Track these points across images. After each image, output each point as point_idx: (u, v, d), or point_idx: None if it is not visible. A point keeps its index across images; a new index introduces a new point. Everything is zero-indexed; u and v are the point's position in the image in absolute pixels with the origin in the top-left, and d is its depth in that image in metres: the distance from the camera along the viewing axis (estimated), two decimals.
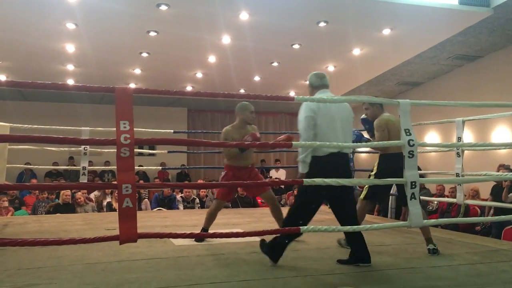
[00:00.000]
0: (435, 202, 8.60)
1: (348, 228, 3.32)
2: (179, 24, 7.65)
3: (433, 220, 3.86)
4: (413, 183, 3.42)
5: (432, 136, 11.45)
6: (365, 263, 3.58)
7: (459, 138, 5.36)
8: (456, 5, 7.35)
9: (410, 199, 3.42)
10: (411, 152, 3.44)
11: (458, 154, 5.39)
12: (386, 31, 8.15)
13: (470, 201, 5.69)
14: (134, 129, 2.72)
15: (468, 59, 10.19)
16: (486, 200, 7.53)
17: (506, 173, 5.42)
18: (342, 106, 3.71)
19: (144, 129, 6.51)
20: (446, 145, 4.00)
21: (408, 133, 3.48)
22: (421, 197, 6.49)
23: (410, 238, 4.84)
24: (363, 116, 4.63)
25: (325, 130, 3.56)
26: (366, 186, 4.48)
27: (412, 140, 3.45)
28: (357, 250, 3.64)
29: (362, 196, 4.48)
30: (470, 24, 8.05)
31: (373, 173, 4.41)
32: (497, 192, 7.12)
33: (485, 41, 9.08)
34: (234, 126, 4.70)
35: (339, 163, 3.60)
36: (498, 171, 7.24)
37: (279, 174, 13.38)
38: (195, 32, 7.95)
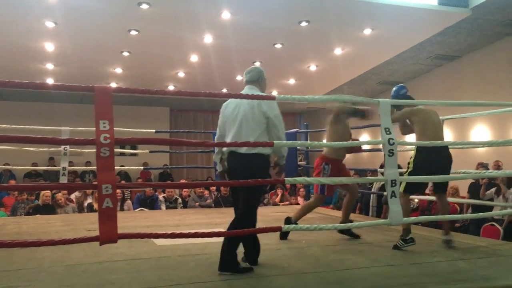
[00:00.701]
0: (416, 200, 8.69)
1: (331, 226, 3.34)
2: (160, 23, 7.61)
3: (413, 218, 3.91)
4: (393, 181, 3.45)
5: (413, 135, 11.57)
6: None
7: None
8: (435, 5, 7.46)
9: (391, 197, 3.45)
10: (391, 151, 3.47)
11: None
12: (367, 31, 8.22)
13: (449, 199, 5.76)
14: (115, 128, 2.70)
15: (447, 59, 10.34)
16: (465, 197, 7.65)
17: (484, 171, 5.51)
18: (244, 103, 3.47)
19: (125, 129, 6.46)
20: (426, 144, 4.05)
21: (388, 132, 3.51)
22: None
23: (391, 236, 4.88)
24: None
25: (227, 129, 3.52)
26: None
27: (392, 139, 3.48)
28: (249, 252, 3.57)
29: (401, 189, 4.09)
30: (449, 25, 8.17)
31: (409, 170, 4.26)
32: (474, 189, 7.24)
33: (463, 41, 9.23)
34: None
35: (234, 162, 3.46)
36: (477, 169, 7.36)
37: None
38: (177, 31, 7.92)
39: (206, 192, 9.19)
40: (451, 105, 4.38)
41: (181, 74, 10.67)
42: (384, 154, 3.51)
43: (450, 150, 4.29)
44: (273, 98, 3.41)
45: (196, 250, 4.16)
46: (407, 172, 4.26)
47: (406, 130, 4.61)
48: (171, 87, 11.72)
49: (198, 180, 14.18)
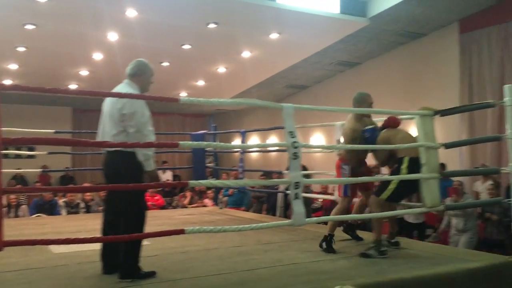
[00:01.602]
0: (320, 200, 9.06)
1: (235, 228, 3.35)
2: (59, 18, 7.20)
3: (315, 218, 4.04)
4: (297, 184, 3.53)
5: (318, 137, 12.06)
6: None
7: (338, 141, 5.70)
8: (337, 14, 7.83)
9: (294, 199, 3.53)
10: (295, 154, 3.54)
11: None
12: (274, 36, 8.42)
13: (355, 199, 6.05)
14: (10, 129, 2.49)
15: (349, 65, 10.91)
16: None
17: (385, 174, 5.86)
18: (109, 99, 3.40)
19: (21, 129, 6.00)
20: (326, 147, 4.22)
21: (292, 136, 3.58)
22: (307, 195, 6.81)
23: (295, 235, 5.03)
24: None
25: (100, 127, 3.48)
26: (391, 187, 4.00)
27: (296, 142, 3.56)
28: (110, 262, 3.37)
29: (384, 196, 4.01)
30: (349, 33, 8.63)
31: (398, 181, 4.00)
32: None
33: (363, 48, 9.79)
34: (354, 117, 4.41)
35: (104, 162, 3.43)
36: None
37: (166, 176, 13.12)
38: (77, 27, 7.53)
39: None
40: (347, 112, 4.59)
41: (84, 72, 10.18)
42: (289, 157, 3.58)
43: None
44: (140, 96, 3.33)
45: (96, 257, 3.95)
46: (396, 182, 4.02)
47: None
48: (73, 86, 11.13)
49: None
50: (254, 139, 14.77)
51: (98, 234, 4.18)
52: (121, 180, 3.11)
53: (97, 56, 9.07)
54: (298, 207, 3.53)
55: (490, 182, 6.97)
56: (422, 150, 4.07)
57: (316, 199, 8.99)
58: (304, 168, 10.00)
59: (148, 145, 3.19)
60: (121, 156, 3.24)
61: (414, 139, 4.17)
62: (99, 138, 3.39)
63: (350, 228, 4.82)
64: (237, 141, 14.90)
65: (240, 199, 9.44)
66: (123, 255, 3.19)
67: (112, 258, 3.29)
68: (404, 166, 3.99)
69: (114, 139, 3.24)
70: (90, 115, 14.84)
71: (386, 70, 10.18)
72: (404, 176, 3.96)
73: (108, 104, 3.38)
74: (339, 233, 4.63)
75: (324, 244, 4.19)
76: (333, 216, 4.36)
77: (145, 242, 4.49)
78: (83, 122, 14.67)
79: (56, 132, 7.15)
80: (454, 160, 8.20)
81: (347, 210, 4.50)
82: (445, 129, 7.68)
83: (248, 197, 9.60)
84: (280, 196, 8.60)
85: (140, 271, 3.24)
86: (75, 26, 7.49)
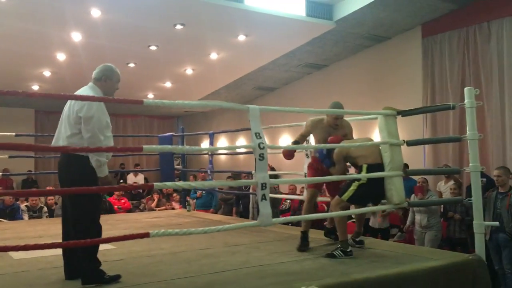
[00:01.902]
0: (288, 201, 9.10)
1: (200, 230, 3.32)
2: (21, 17, 6.99)
3: (282, 218, 4.06)
4: (264, 185, 3.53)
5: (286, 138, 12.12)
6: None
7: (307, 141, 5.74)
8: (303, 16, 7.90)
9: (261, 200, 3.54)
10: (261, 155, 3.55)
11: (306, 155, 5.77)
12: (242, 37, 8.43)
13: (319, 199, 6.10)
14: None
15: (316, 67, 11.02)
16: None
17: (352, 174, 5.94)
18: (69, 102, 3.37)
19: None
20: (292, 147, 4.24)
21: (258, 137, 3.59)
22: (274, 196, 6.84)
23: (263, 237, 5.04)
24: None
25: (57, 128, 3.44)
26: (351, 188, 4.08)
27: (262, 143, 3.57)
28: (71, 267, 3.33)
29: (345, 197, 4.10)
30: (316, 35, 8.72)
31: (360, 182, 4.08)
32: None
33: (329, 51, 9.92)
34: (322, 122, 4.49)
35: (58, 165, 3.39)
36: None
37: (138, 179, 12.98)
38: (39, 26, 7.33)
39: None
40: (319, 113, 4.64)
41: (47, 73, 9.92)
42: (255, 158, 3.58)
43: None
44: (104, 99, 3.29)
45: (59, 262, 3.85)
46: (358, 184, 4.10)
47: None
48: (35, 87, 10.84)
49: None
50: (222, 141, 14.74)
51: (60, 239, 4.08)
52: (74, 184, 3.04)
53: (61, 56, 8.87)
54: (264, 208, 3.53)
55: (452, 182, 7.17)
56: (386, 148, 4.17)
57: (285, 199, 9.03)
58: (272, 169, 10.15)
59: (111, 149, 3.13)
60: (75, 160, 3.19)
61: (371, 148, 4.26)
62: (54, 140, 3.36)
63: (330, 231, 4.83)
64: (205, 143, 14.84)
65: (209, 201, 9.41)
66: (82, 261, 3.14)
67: (74, 263, 3.23)
68: (363, 173, 4.11)
69: (68, 141, 3.21)
70: (53, 117, 14.45)
71: (352, 73, 10.33)
72: (368, 175, 4.04)
73: (67, 105, 3.35)
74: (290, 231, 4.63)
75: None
76: (300, 216, 4.39)
77: (110, 246, 4.43)
78: (46, 124, 14.30)
79: (17, 135, 6.95)
80: (418, 161, 8.40)
81: (314, 201, 4.63)
82: (409, 131, 7.85)
83: (217, 199, 9.57)
84: (252, 197, 8.59)
85: (104, 275, 3.18)
86: (37, 25, 7.30)
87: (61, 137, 3.29)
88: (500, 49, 7.75)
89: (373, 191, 4.17)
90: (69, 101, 3.34)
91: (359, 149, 4.22)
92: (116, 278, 3.22)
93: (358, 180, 4.09)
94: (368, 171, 4.10)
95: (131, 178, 12.98)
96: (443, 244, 6.61)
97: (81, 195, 3.13)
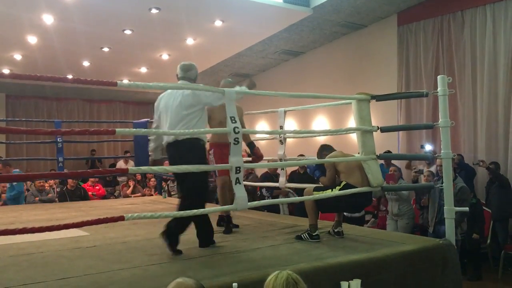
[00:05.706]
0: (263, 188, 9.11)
1: (175, 213, 3.32)
2: None
3: (255, 202, 4.08)
4: (238, 168, 3.55)
5: (262, 125, 12.13)
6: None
7: (281, 127, 5.78)
8: (280, 2, 7.85)
9: (235, 184, 3.55)
10: (236, 139, 3.55)
11: (281, 141, 5.80)
12: (218, 23, 8.33)
13: (289, 184, 6.15)
14: None
15: (293, 54, 11.01)
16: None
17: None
18: (174, 94, 3.80)
19: None
20: (269, 132, 4.26)
21: (233, 121, 3.59)
22: (250, 183, 6.85)
23: (238, 223, 5.04)
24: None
25: (162, 122, 3.81)
26: (327, 193, 4.11)
27: (237, 128, 3.56)
28: (201, 234, 3.91)
29: (316, 194, 4.14)
30: (293, 22, 8.69)
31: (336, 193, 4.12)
32: (294, 176, 7.75)
33: (306, 38, 9.91)
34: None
35: (171, 152, 3.75)
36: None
37: (130, 166, 12.68)
38: (9, 8, 7.09)
39: (47, 185, 8.49)
40: (294, 97, 4.65)
41: (17, 56, 9.65)
42: (230, 143, 3.58)
43: (295, 140, 4.55)
44: (71, 80, 3.36)
45: (31, 249, 3.82)
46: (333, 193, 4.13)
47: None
48: (6, 71, 10.53)
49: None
50: None
51: (35, 225, 4.00)
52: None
53: (32, 39, 8.62)
54: (240, 192, 3.56)
55: (426, 169, 7.29)
56: (359, 133, 4.23)
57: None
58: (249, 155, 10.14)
59: (83, 132, 3.07)
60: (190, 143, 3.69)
61: (357, 170, 4.28)
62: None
63: (223, 220, 4.78)
64: None
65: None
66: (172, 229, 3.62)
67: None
68: (338, 187, 4.17)
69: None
70: (25, 102, 14.15)
71: (329, 60, 10.36)
72: (339, 192, 4.08)
73: (174, 98, 3.79)
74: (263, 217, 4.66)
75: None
76: (276, 200, 4.41)
77: (83, 232, 4.39)
78: (18, 109, 13.96)
79: None
80: (392, 147, 8.51)
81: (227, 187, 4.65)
82: (384, 118, 7.96)
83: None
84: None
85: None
86: (7, 7, 7.06)
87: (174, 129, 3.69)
88: (473, 38, 7.87)
89: (348, 205, 4.50)
90: (174, 94, 3.83)
91: (344, 165, 4.28)
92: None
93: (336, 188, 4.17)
94: (343, 188, 4.15)
95: (120, 165, 12.68)
96: (415, 231, 6.73)
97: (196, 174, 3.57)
